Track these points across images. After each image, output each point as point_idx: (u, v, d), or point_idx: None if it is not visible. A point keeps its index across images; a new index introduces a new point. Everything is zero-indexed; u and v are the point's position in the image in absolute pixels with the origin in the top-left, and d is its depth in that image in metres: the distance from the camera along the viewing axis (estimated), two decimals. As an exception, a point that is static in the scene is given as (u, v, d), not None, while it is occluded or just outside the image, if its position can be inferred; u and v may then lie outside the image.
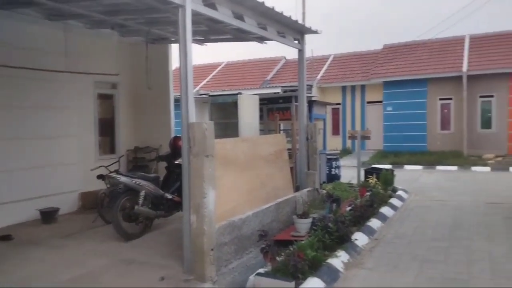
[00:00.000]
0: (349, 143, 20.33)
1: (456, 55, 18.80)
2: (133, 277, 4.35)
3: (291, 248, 4.71)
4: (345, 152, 19.94)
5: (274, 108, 8.81)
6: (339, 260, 4.91)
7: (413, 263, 5.01)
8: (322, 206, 6.69)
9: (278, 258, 4.57)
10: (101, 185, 6.59)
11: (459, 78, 17.44)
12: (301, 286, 4.07)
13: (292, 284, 3.94)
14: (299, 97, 7.47)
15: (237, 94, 7.32)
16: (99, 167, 6.72)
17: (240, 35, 7.04)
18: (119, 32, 8.02)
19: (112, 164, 7.02)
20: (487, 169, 14.28)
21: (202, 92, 20.85)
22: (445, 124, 18.39)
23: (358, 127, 20.56)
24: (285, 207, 6.26)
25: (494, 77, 17.08)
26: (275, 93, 12.75)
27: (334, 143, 20.66)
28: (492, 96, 17.43)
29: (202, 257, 4.21)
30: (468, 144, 17.28)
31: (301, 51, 7.35)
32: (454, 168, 14.63)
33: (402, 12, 48.95)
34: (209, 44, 8.65)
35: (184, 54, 4.32)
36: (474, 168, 14.42)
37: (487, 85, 17.32)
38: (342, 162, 15.14)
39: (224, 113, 7.65)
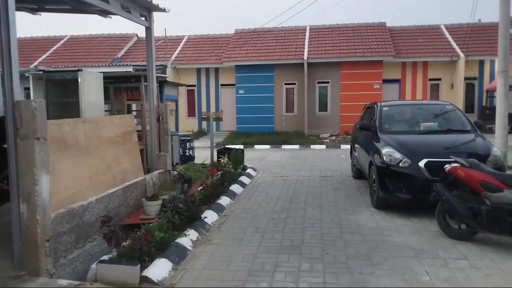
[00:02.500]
0: (204, 124, 20.66)
1: (298, 43, 20.55)
2: None
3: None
4: (201, 133, 20.26)
5: (122, 88, 8.37)
6: (188, 238, 4.99)
7: (256, 235, 5.40)
8: (173, 187, 6.69)
9: (124, 243, 4.43)
10: None
11: (301, 65, 19.16)
12: (146, 271, 4.02)
13: (137, 268, 3.87)
14: (148, 77, 7.23)
15: (77, 70, 6.71)
16: None
17: (79, 7, 6.41)
18: None
19: None
20: (323, 147, 16.12)
21: (41, 68, 18.60)
22: (289, 107, 20.09)
23: (213, 109, 21.03)
24: (134, 190, 6.07)
25: (329, 65, 19.25)
26: (127, 72, 12.14)
27: (190, 125, 20.78)
28: (327, 82, 19.64)
29: (35, 250, 3.82)
30: (309, 125, 19.23)
31: (148, 29, 7.09)
32: (297, 146, 16.13)
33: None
34: (45, 14, 7.71)
35: (5, 22, 3.76)
36: (313, 146, 16.13)
37: (324, 72, 19.44)
38: (198, 143, 15.36)
39: (63, 92, 6.95)
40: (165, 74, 15.20)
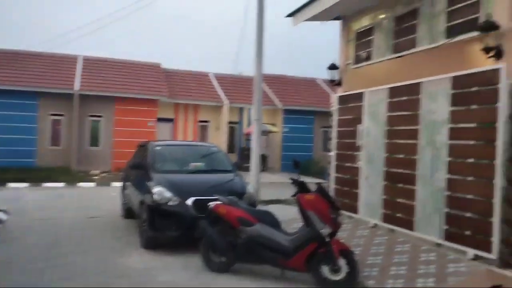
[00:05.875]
0: None
1: (69, 73, 19.12)
2: None
3: None
4: None
5: None
6: None
7: (2, 293, 4.56)
8: None
9: None
10: None
11: (71, 96, 17.84)
12: None
13: None
14: None
15: None
16: None
17: None
18: None
19: None
20: (93, 184, 15.15)
21: None
22: (55, 140, 18.26)
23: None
24: None
25: (103, 99, 18.58)
26: None
27: None
28: (101, 116, 18.85)
29: None
30: (77, 161, 17.85)
31: None
32: (62, 184, 14.61)
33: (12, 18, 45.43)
34: None
35: None
36: (81, 184, 14.92)
37: (97, 106, 18.62)
38: None
39: None
40: None
